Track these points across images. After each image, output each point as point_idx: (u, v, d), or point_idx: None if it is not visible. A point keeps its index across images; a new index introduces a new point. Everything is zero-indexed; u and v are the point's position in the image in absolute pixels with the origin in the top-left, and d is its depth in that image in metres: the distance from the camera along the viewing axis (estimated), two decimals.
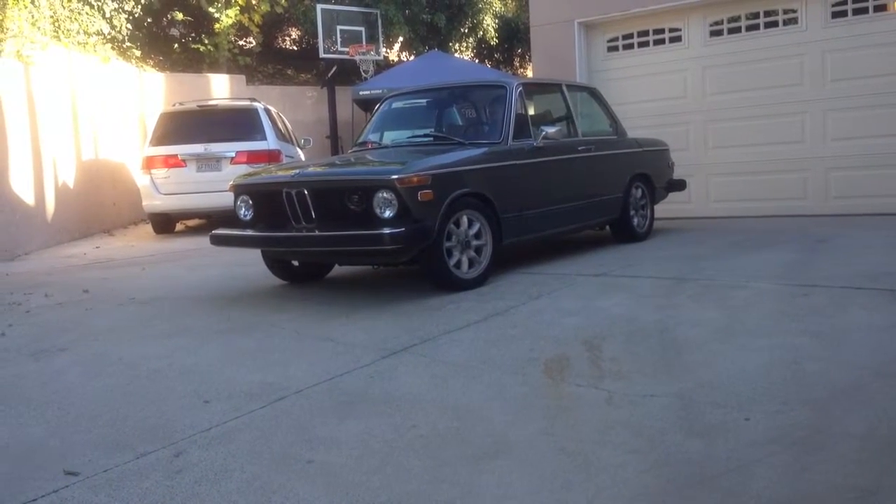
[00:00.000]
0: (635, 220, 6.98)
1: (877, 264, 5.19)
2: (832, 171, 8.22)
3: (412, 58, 17.54)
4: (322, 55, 15.19)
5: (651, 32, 9.20)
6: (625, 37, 9.39)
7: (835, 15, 8.12)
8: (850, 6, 8.04)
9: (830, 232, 6.87)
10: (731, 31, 8.75)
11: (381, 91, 11.53)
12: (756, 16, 8.58)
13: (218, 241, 5.57)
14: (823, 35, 8.17)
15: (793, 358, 3.27)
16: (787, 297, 4.43)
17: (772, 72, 8.42)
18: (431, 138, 6.09)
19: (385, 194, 4.77)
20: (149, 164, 10.10)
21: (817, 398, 2.80)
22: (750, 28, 8.63)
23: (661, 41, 9.16)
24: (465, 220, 5.14)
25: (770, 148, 8.48)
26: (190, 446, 2.69)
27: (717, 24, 8.79)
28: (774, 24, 8.49)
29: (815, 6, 8.19)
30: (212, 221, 10.12)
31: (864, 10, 7.99)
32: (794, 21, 8.36)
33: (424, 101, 6.81)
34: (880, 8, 7.96)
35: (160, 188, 10.01)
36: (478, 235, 5.22)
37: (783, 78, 8.37)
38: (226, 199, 5.97)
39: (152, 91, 13.11)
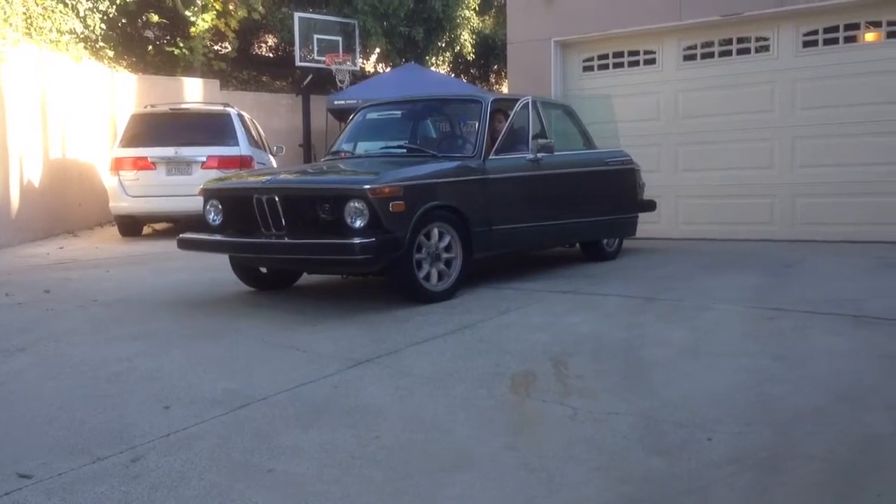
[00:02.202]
0: (605, 240, 7.01)
1: (841, 290, 5.27)
2: (799, 197, 8.34)
3: (389, 69, 17.57)
4: (298, 63, 15.16)
5: (626, 54, 9.30)
6: (600, 57, 9.48)
7: (806, 44, 8.27)
8: (820, 36, 8.19)
9: (796, 257, 6.96)
10: (704, 56, 8.87)
11: (356, 101, 11.51)
12: (729, 42, 8.70)
13: (185, 245, 5.51)
14: (794, 64, 8.31)
15: (756, 380, 3.29)
16: (752, 319, 4.48)
17: (743, 98, 8.54)
18: (405, 150, 6.09)
19: (357, 204, 4.75)
20: (117, 165, 9.98)
21: (779, 420, 2.82)
22: (723, 54, 8.76)
23: (636, 63, 9.26)
24: (435, 232, 5.14)
25: (739, 172, 8.59)
26: (148, 452, 2.64)
27: (690, 48, 8.90)
28: (747, 51, 8.62)
29: (786, 35, 8.33)
30: (179, 226, 10.01)
31: (835, 41, 8.14)
32: (765, 49, 8.50)
33: (399, 112, 6.80)
34: (850, 39, 8.12)
35: (128, 190, 9.89)
36: (448, 248, 5.22)
37: (754, 104, 8.49)
38: (195, 204, 5.91)
39: (124, 92, 12.98)
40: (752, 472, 2.41)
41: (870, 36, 8.10)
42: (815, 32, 8.21)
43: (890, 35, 7.91)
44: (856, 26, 8.07)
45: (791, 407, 2.96)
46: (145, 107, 10.81)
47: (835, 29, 8.12)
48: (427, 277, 5.09)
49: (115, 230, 10.70)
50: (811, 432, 2.69)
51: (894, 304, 4.71)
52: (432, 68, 17.53)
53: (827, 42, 8.18)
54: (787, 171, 8.38)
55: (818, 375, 3.36)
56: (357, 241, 4.64)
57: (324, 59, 15.02)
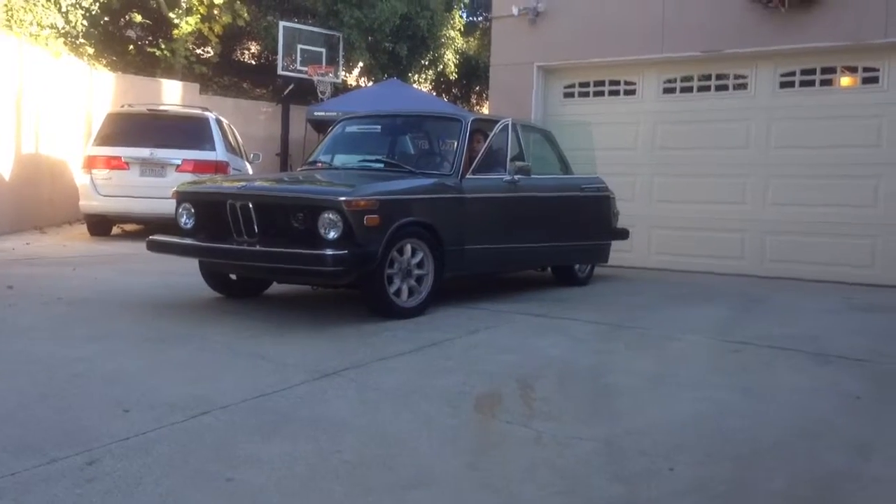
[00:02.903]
0: (577, 265, 7.05)
1: (806, 328, 5.33)
2: (769, 234, 8.45)
3: (371, 84, 17.60)
4: (280, 72, 15.15)
5: (607, 83, 9.40)
6: (581, 84, 9.57)
7: (783, 85, 8.41)
8: (797, 78, 8.34)
9: (764, 293, 7.04)
10: (683, 89, 8.99)
11: (336, 113, 11.52)
12: (708, 78, 8.83)
13: (155, 247, 5.44)
14: (770, 103, 8.44)
15: (720, 412, 3.31)
16: (718, 352, 4.51)
17: (719, 133, 8.66)
18: (382, 164, 6.09)
19: (331, 215, 4.73)
20: (90, 163, 9.88)
21: (741, 453, 2.83)
22: (701, 89, 8.88)
23: (617, 92, 9.36)
24: (408, 248, 5.13)
25: (712, 206, 8.69)
26: (105, 455, 2.59)
27: (670, 81, 9.02)
28: (725, 87, 8.75)
29: (764, 75, 8.47)
30: (150, 228, 9.90)
31: (811, 83, 8.29)
32: (743, 87, 8.63)
33: (378, 127, 6.80)
34: (826, 82, 8.27)
35: (100, 189, 9.79)
36: (420, 265, 5.21)
37: (730, 140, 8.61)
38: (167, 207, 5.86)
39: (102, 90, 12.87)
40: (713, 503, 2.41)
41: (845, 81, 8.26)
42: (793, 74, 8.36)
43: (865, 81, 8.08)
44: (832, 70, 8.23)
45: (753, 440, 2.97)
46: (122, 106, 10.72)
47: (812, 72, 8.27)
48: (398, 293, 5.08)
49: (84, 229, 10.57)
50: (771, 467, 2.71)
51: (857, 344, 4.77)
52: (414, 85, 17.60)
53: (803, 84, 8.33)
54: (760, 207, 8.50)
55: (780, 410, 3.39)
56: (330, 252, 4.62)
57: (306, 69, 15.02)
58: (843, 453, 2.87)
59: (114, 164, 9.80)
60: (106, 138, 9.97)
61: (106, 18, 14.45)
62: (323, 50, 15.40)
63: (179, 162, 9.80)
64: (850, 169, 8.00)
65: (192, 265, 5.81)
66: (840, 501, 2.47)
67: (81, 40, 12.91)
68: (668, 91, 9.05)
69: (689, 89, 8.95)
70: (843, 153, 8.04)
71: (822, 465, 2.75)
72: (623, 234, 7.64)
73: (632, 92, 9.25)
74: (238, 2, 15.22)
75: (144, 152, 9.81)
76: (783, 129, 8.37)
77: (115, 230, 10.95)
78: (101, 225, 10.36)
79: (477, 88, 20.17)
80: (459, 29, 19.20)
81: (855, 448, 2.92)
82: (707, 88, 8.85)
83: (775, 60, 8.40)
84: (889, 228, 7.86)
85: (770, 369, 4.11)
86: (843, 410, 3.42)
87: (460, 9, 19.99)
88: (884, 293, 7.32)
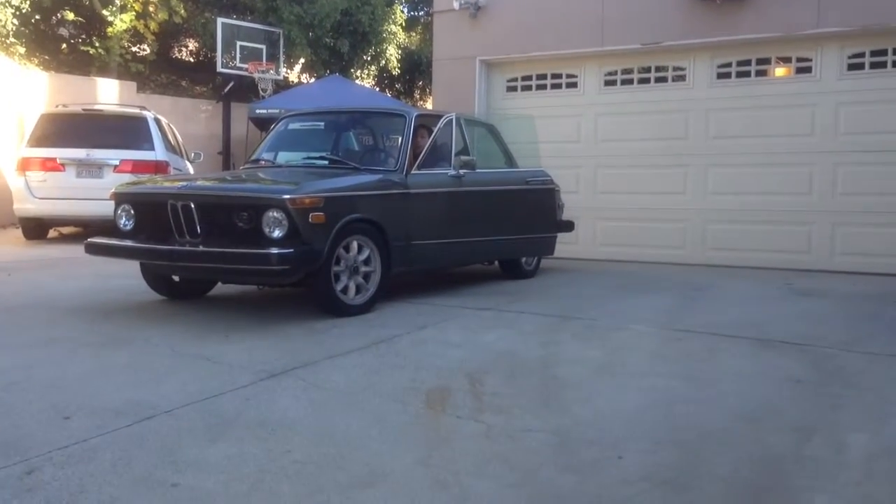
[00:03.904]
0: (523, 258, 7.09)
1: (746, 314, 5.45)
2: (709, 223, 8.61)
3: (313, 80, 17.44)
4: (220, 69, 14.91)
5: (549, 76, 9.47)
6: (524, 78, 9.62)
7: (720, 76, 8.58)
8: (734, 69, 8.51)
9: (705, 281, 7.17)
10: (624, 82, 9.10)
11: (278, 111, 11.38)
12: (648, 70, 8.95)
13: (93, 250, 5.31)
14: (708, 94, 8.60)
15: (666, 400, 3.36)
16: (663, 340, 4.58)
17: (659, 124, 8.79)
18: (327, 161, 6.03)
19: (275, 214, 4.68)
20: (24, 165, 9.61)
21: (687, 439, 2.88)
22: (642, 81, 9.00)
23: (559, 86, 9.44)
24: (355, 245, 5.10)
25: (653, 197, 8.82)
26: (44, 463, 2.52)
27: (611, 74, 9.12)
28: (664, 79, 8.88)
29: (702, 66, 8.62)
30: (88, 230, 9.67)
31: (747, 74, 8.47)
32: (682, 79, 8.77)
33: (322, 123, 6.75)
34: (761, 73, 8.46)
35: (35, 192, 9.53)
36: (367, 262, 5.19)
37: (669, 131, 8.75)
38: (105, 208, 5.72)
39: (35, 90, 12.50)
40: (661, 490, 2.44)
41: (780, 71, 8.46)
42: (729, 65, 8.52)
43: (798, 71, 8.27)
44: (767, 61, 8.41)
45: (698, 426, 3.02)
46: (56, 106, 10.44)
47: (748, 63, 8.45)
48: (345, 290, 5.05)
49: (19, 233, 10.28)
50: (717, 452, 2.75)
51: (798, 329, 4.89)
52: (357, 81, 17.49)
53: (740, 75, 8.50)
54: (700, 197, 8.65)
55: (725, 396, 3.45)
56: (275, 251, 4.56)
57: (246, 66, 14.82)
58: (785, 436, 2.93)
59: (49, 165, 9.55)
60: (40, 139, 9.71)
61: (37, 17, 14.04)
62: (263, 46, 15.21)
63: (117, 162, 9.60)
64: (785, 158, 8.20)
65: (132, 268, 5.68)
66: (782, 483, 2.52)
67: (12, 39, 12.53)
68: (609, 84, 9.16)
69: (630, 81, 9.07)
70: (779, 142, 8.24)
71: (765, 448, 2.81)
72: (568, 227, 7.70)
73: (573, 85, 9.34)
74: None
75: (80, 153, 9.58)
76: (721, 120, 8.54)
77: (52, 233, 10.68)
78: (36, 229, 10.10)
79: (420, 83, 20.14)
80: (401, 24, 19.13)
81: (796, 430, 2.99)
82: (647, 81, 8.97)
83: (712, 52, 8.55)
84: (823, 215, 8.08)
85: (715, 356, 4.19)
86: (785, 394, 3.50)
87: (401, 3, 19.95)
88: (820, 278, 7.52)
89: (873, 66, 7.89)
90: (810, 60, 8.15)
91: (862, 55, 7.92)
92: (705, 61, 8.60)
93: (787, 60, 8.36)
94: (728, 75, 8.55)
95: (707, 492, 2.44)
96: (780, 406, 3.33)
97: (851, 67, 7.98)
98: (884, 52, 7.82)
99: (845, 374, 3.87)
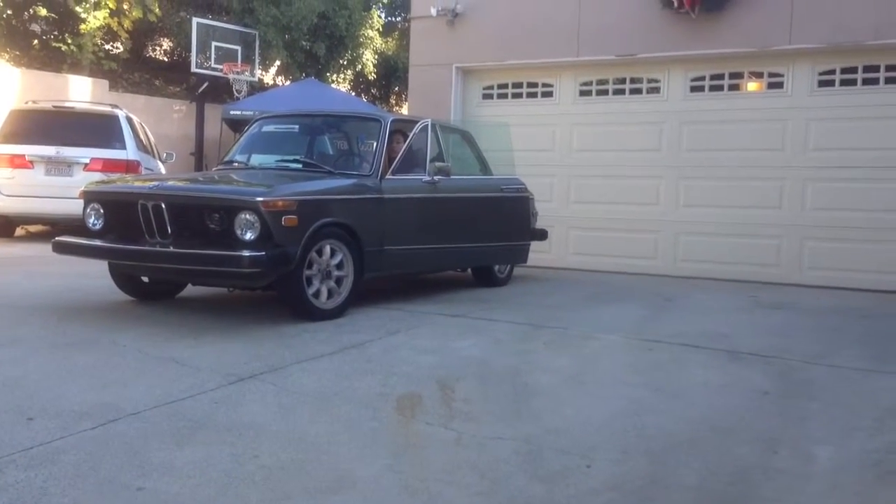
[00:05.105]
0: (496, 266, 7.10)
1: (716, 325, 5.50)
2: (681, 234, 8.68)
3: (288, 83, 17.36)
4: (194, 69, 14.80)
5: (525, 85, 9.51)
6: (500, 86, 9.66)
7: (693, 89, 8.66)
8: (707, 83, 8.60)
9: (676, 292, 7.23)
10: (599, 92, 9.16)
11: (252, 112, 11.30)
12: (623, 81, 9.02)
13: (61, 249, 5.23)
14: (682, 107, 8.68)
15: (635, 409, 3.38)
16: (633, 350, 4.61)
17: (633, 136, 8.85)
18: (301, 165, 6.01)
19: (248, 216, 4.64)
20: None
21: (655, 449, 2.89)
22: (617, 92, 9.07)
23: (534, 94, 9.48)
24: (327, 249, 5.07)
25: (626, 207, 8.88)
26: (7, 466, 2.47)
27: (586, 84, 9.18)
28: (639, 91, 8.95)
29: (676, 79, 8.70)
30: (57, 229, 9.54)
31: (720, 88, 8.56)
32: (656, 91, 8.85)
33: (296, 126, 6.71)
34: (734, 87, 8.56)
35: (2, 189, 9.41)
36: (340, 266, 5.16)
37: (643, 142, 8.81)
38: (74, 207, 5.65)
39: (5, 86, 12.31)
40: (630, 499, 2.45)
41: (752, 85, 8.56)
42: (703, 78, 8.61)
43: (770, 86, 8.38)
44: (740, 75, 8.51)
45: (667, 436, 3.04)
46: (27, 102, 10.30)
47: (721, 76, 8.54)
48: (317, 294, 5.02)
49: None
50: (685, 463, 2.77)
51: (765, 342, 4.94)
52: (333, 85, 17.45)
53: (713, 88, 8.59)
54: (672, 209, 8.72)
55: (693, 407, 3.47)
56: (246, 253, 4.53)
57: (221, 67, 14.72)
58: (752, 447, 2.96)
59: (17, 162, 9.42)
60: (9, 136, 9.58)
61: (9, 12, 13.85)
62: (238, 48, 15.12)
63: (87, 160, 9.48)
64: (756, 171, 8.29)
65: (101, 268, 5.61)
66: (749, 493, 2.54)
67: None
68: (584, 94, 9.21)
69: (605, 92, 9.13)
70: (750, 156, 8.33)
71: (733, 458, 2.83)
72: (542, 235, 7.73)
73: (549, 94, 9.38)
74: None
75: (50, 150, 9.45)
76: (693, 133, 8.62)
77: (20, 231, 10.53)
78: (4, 226, 9.96)
79: (396, 89, 20.13)
80: (378, 29, 19.13)
81: (763, 442, 3.02)
82: (622, 92, 9.04)
83: (686, 65, 8.64)
84: (793, 229, 8.18)
85: (683, 367, 4.22)
86: (753, 406, 3.53)
87: (379, 8, 19.92)
88: (788, 291, 7.61)
89: (843, 83, 8.01)
90: (782, 76, 8.26)
91: (833, 72, 8.04)
92: (679, 74, 8.69)
93: (759, 75, 8.47)
94: (702, 88, 8.64)
95: (675, 501, 2.45)
96: (748, 417, 3.36)
97: (822, 84, 8.09)
98: (854, 70, 7.94)
99: (812, 386, 3.92)
